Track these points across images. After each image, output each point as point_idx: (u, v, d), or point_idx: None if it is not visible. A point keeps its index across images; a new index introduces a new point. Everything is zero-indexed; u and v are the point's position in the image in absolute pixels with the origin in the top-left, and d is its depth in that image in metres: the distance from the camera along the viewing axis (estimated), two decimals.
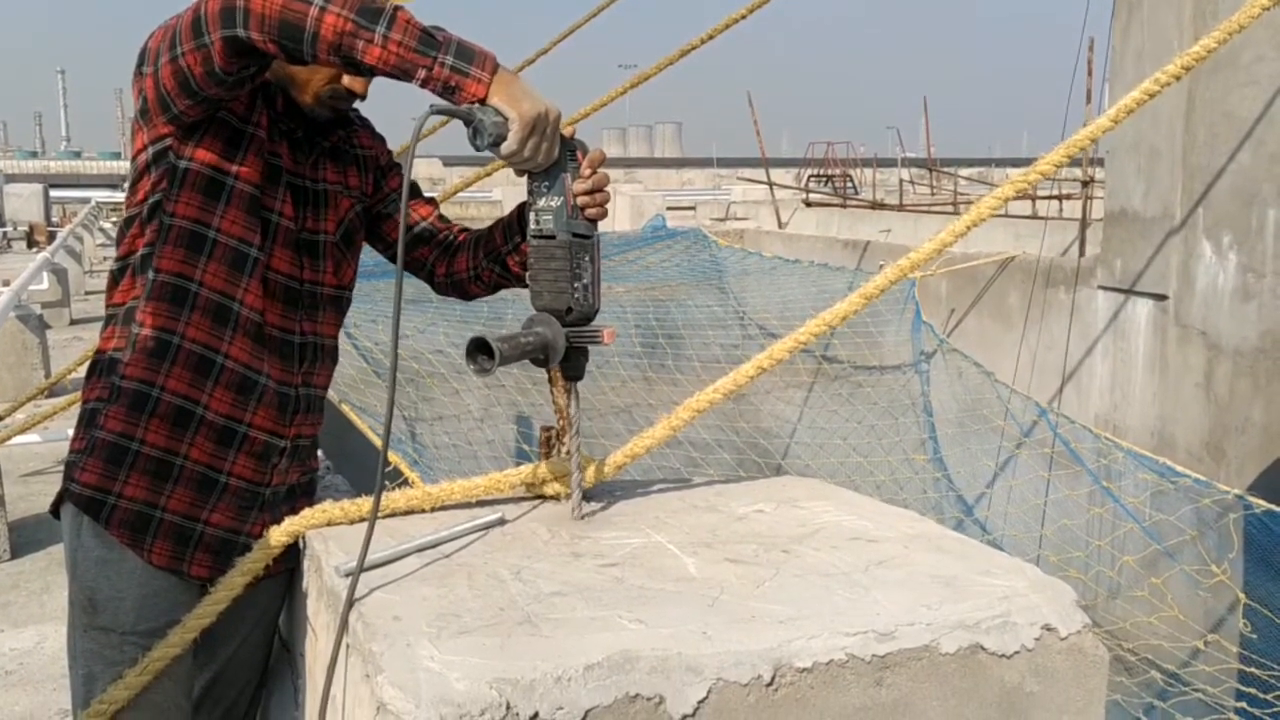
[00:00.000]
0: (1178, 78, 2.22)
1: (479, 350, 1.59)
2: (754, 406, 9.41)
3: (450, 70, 1.58)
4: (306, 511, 1.85)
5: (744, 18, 4.28)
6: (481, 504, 1.94)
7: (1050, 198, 19.96)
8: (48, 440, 6.18)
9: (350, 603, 1.50)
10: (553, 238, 1.70)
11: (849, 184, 29.63)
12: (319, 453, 2.15)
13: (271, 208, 1.89)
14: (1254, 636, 4.44)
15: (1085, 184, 11.24)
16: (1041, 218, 16.70)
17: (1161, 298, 6.97)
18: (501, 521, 1.83)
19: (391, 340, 1.52)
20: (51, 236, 16.94)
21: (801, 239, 14.09)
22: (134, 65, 1.83)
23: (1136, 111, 2.54)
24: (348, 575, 1.59)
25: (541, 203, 1.71)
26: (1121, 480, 6.28)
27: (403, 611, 1.47)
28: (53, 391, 6.43)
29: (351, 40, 1.58)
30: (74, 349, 9.47)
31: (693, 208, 26.16)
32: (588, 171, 1.73)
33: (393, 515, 1.85)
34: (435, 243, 2.14)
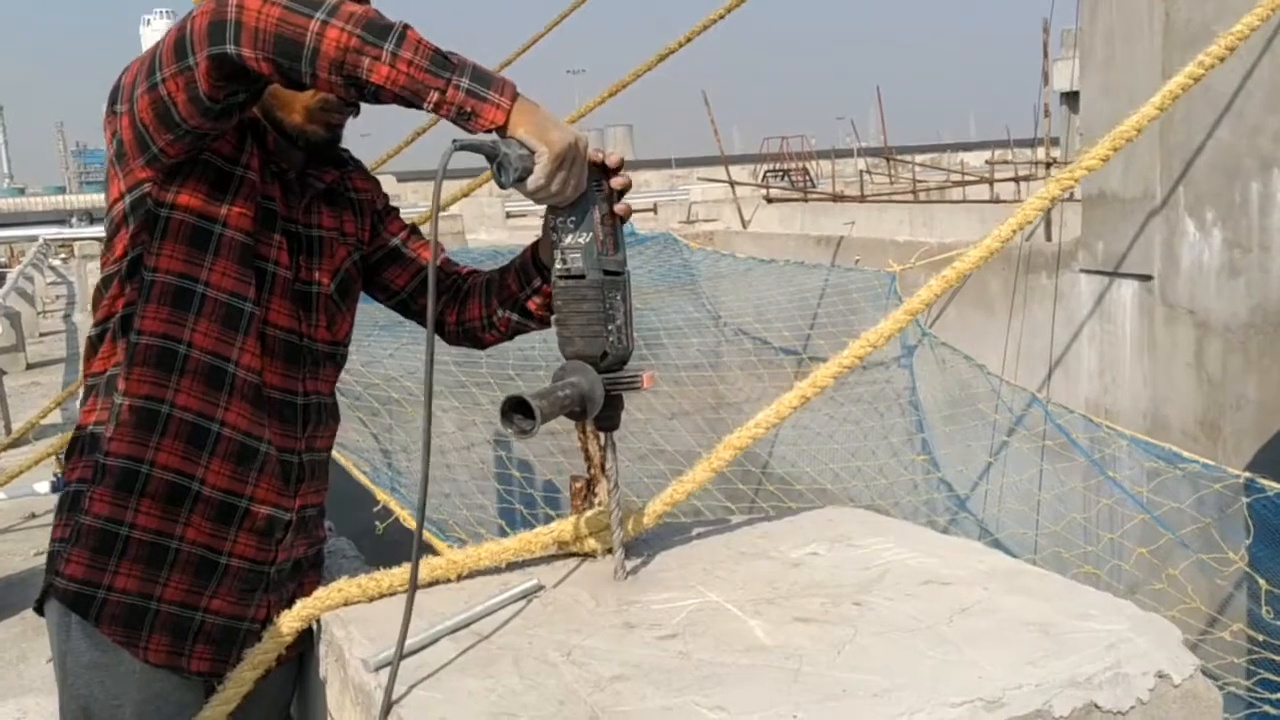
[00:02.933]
0: (1232, 49, 2.10)
1: (515, 410, 1.41)
2: (737, 408, 9.25)
3: (466, 94, 1.41)
4: (320, 592, 1.67)
5: (721, 18, 4.13)
6: (511, 567, 1.77)
7: (1007, 180, 19.96)
8: (13, 496, 5.90)
9: (388, 706, 1.32)
10: (582, 277, 1.53)
11: (807, 178, 29.59)
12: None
13: (267, 256, 1.70)
14: (1278, 623, 4.34)
15: (1048, 165, 11.23)
16: (1003, 201, 16.70)
17: (1146, 278, 6.89)
18: (539, 589, 1.66)
19: (424, 415, 1.34)
20: (1, 279, 16.43)
21: (773, 238, 13.98)
22: (105, 106, 1.63)
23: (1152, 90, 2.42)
24: (379, 669, 1.41)
25: (568, 240, 1.54)
26: (1117, 466, 6.17)
27: (449, 712, 1.30)
28: (15, 443, 6.16)
29: (356, 58, 1.40)
30: (32, 394, 9.17)
31: (653, 209, 26.01)
32: (618, 179, 1.59)
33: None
34: (444, 288, 1.95)
